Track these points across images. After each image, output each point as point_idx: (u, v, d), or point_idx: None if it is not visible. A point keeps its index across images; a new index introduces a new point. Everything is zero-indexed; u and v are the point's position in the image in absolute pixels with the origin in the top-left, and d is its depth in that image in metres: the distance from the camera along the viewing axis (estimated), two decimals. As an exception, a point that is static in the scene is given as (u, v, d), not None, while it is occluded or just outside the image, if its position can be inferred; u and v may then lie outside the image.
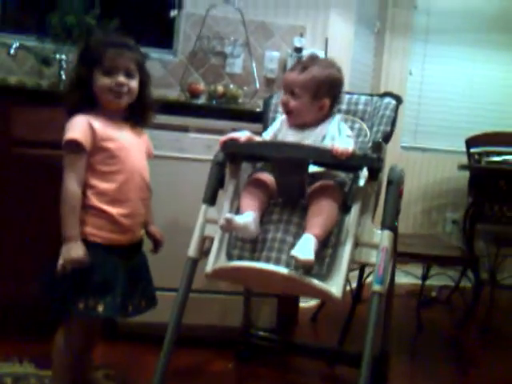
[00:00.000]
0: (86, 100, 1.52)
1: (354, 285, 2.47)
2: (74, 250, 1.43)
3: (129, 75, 1.53)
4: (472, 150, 3.00)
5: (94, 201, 1.48)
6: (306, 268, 1.40)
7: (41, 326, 1.95)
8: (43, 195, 1.85)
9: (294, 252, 1.38)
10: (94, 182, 1.49)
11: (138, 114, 1.60)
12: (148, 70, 1.63)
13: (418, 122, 3.37)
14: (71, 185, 1.45)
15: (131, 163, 1.54)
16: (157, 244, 1.71)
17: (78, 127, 1.47)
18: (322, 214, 1.46)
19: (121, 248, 1.53)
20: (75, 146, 1.45)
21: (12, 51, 2.47)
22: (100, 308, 1.46)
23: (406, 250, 2.23)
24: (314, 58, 1.69)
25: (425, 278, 2.62)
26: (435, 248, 2.62)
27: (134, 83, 1.55)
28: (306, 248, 1.39)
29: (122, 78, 1.51)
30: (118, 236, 1.52)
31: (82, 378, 1.66)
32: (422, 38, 3.32)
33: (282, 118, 1.71)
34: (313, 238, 1.41)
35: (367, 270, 2.36)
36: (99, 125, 1.50)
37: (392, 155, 3.13)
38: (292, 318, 2.25)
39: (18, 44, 2.50)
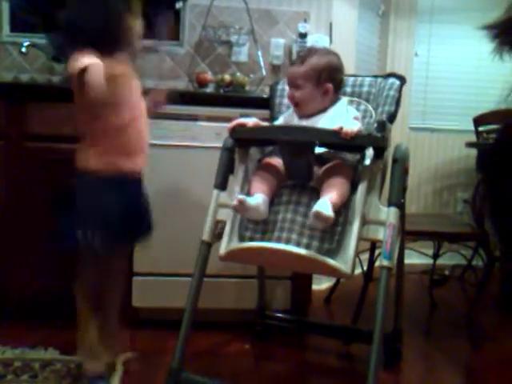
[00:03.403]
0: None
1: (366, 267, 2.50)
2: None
3: None
4: (480, 129, 3.00)
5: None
6: (327, 224, 1.44)
7: (63, 317, 2.04)
8: (55, 188, 1.91)
9: (318, 207, 1.42)
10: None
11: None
12: None
13: (425, 103, 3.37)
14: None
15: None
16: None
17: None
18: (335, 187, 1.51)
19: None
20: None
21: (23, 49, 2.53)
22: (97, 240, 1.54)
23: (416, 228, 2.26)
24: (311, 50, 1.77)
25: (436, 255, 2.63)
26: (445, 226, 2.63)
27: None
28: (326, 206, 1.43)
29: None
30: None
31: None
32: (426, 19, 3.31)
33: (292, 109, 1.75)
34: (329, 201, 1.45)
35: (377, 252, 2.40)
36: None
37: (401, 136, 3.16)
38: (306, 299, 2.29)
39: (28, 42, 2.56)
